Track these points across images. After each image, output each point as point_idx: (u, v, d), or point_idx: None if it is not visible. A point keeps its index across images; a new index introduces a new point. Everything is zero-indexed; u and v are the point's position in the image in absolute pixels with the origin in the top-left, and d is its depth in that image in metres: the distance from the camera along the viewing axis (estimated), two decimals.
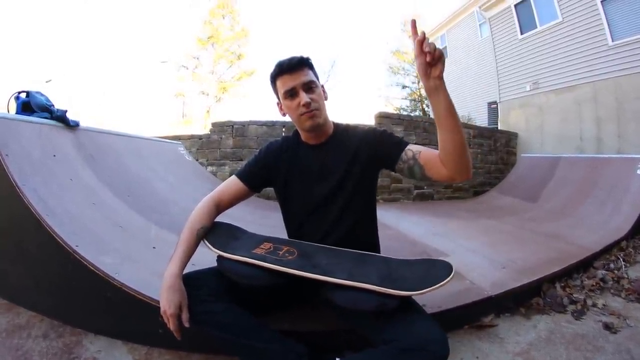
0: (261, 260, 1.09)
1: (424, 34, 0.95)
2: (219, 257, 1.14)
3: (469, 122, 9.20)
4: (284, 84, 1.21)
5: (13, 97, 2.08)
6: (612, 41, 7.01)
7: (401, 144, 1.22)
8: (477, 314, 1.59)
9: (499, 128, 9.39)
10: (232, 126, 5.47)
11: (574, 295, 1.82)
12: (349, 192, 1.27)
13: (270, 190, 1.43)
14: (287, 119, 1.30)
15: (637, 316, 1.65)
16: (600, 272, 2.13)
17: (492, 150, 6.94)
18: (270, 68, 1.25)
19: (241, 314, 1.09)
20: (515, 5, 9.35)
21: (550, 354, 1.35)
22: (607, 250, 2.52)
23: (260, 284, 1.09)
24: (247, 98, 20.40)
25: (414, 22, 0.97)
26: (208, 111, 18.87)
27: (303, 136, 1.33)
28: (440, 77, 0.98)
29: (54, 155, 1.87)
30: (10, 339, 1.37)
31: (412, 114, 19.18)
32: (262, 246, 1.20)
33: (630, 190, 3.35)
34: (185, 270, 1.13)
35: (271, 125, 5.38)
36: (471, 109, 11.40)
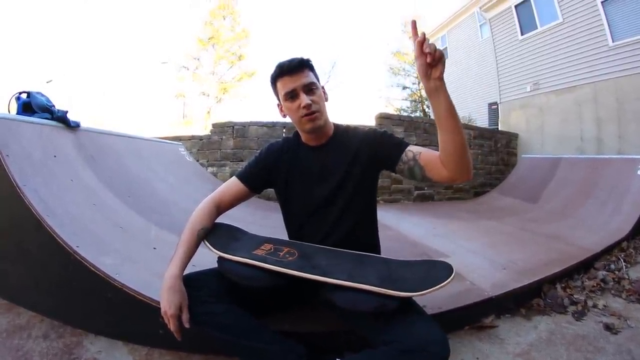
0: (262, 262, 1.10)
1: (424, 35, 0.95)
2: (220, 258, 1.14)
3: (469, 123, 9.20)
4: (284, 85, 1.21)
5: (14, 98, 2.08)
6: (613, 42, 7.01)
7: (401, 145, 1.22)
8: (477, 315, 1.58)
9: (499, 129, 9.39)
10: (233, 127, 5.47)
11: (575, 296, 1.82)
12: (349, 193, 1.27)
13: (270, 191, 1.43)
14: (288, 120, 1.30)
15: (637, 317, 1.65)
16: (601, 273, 2.13)
17: (493, 151, 6.93)
18: (271, 69, 1.24)
19: (241, 315, 1.09)
20: (516, 6, 9.35)
21: (550, 355, 1.35)
22: (607, 251, 2.51)
23: (261, 285, 1.09)
24: (247, 99, 20.46)
25: (414, 23, 0.97)
26: (208, 112, 18.89)
27: (303, 137, 1.33)
28: (440, 78, 0.98)
29: (55, 156, 1.87)
30: (11, 339, 1.37)
31: (412, 115, 19.15)
32: (262, 247, 1.20)
33: (630, 191, 3.34)
34: (186, 271, 1.13)
35: (272, 126, 5.38)
36: (472, 109, 11.40)
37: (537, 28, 8.78)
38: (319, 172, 1.30)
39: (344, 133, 1.34)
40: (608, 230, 2.93)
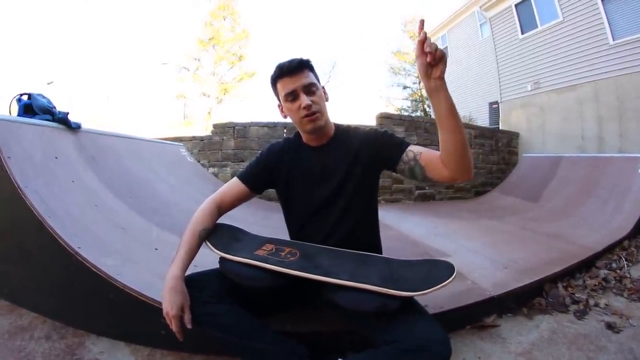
0: (263, 262, 1.10)
1: (425, 34, 0.95)
2: (221, 259, 1.14)
3: (470, 122, 9.19)
4: (284, 86, 1.21)
5: (15, 100, 2.09)
6: (613, 40, 7.00)
7: (402, 145, 1.22)
8: (479, 314, 1.58)
9: (500, 128, 9.39)
10: (234, 127, 5.48)
11: (576, 295, 1.82)
12: (350, 193, 1.27)
13: (272, 191, 1.43)
14: (289, 120, 1.30)
15: (639, 315, 1.64)
16: (603, 272, 2.13)
17: (494, 150, 6.93)
18: (271, 69, 1.25)
19: (243, 315, 1.09)
20: (516, 5, 9.35)
21: (552, 354, 1.35)
22: (609, 249, 2.51)
23: (263, 285, 1.09)
24: (248, 99, 20.53)
25: (422, 22, 0.97)
26: (209, 112, 18.92)
27: (304, 138, 1.33)
28: (441, 78, 0.98)
29: (56, 157, 1.87)
30: (13, 340, 1.37)
31: (413, 115, 19.18)
32: (264, 247, 1.20)
33: (632, 189, 3.34)
34: (188, 272, 1.13)
35: (272, 126, 5.38)
36: (472, 109, 11.39)
37: (537, 27, 8.77)
38: (319, 172, 1.30)
39: (344, 133, 1.34)
40: (609, 228, 2.93)
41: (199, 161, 5.25)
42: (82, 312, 1.47)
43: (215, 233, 1.25)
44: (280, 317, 1.28)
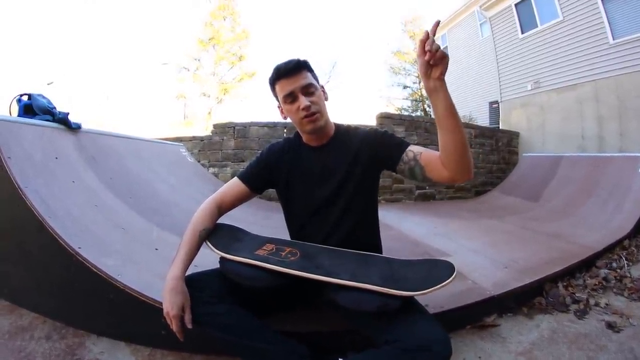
0: (264, 262, 1.10)
1: (427, 33, 0.94)
2: (222, 259, 1.14)
3: (470, 122, 9.19)
4: (282, 88, 1.21)
5: (15, 100, 2.09)
6: (613, 39, 7.00)
7: (402, 145, 1.22)
8: (479, 314, 1.58)
9: (500, 127, 9.38)
10: (234, 127, 5.48)
11: (577, 295, 1.82)
12: (350, 193, 1.27)
13: (272, 191, 1.43)
14: (289, 120, 1.30)
15: (639, 315, 1.65)
16: (603, 271, 2.13)
17: (494, 150, 6.92)
18: (271, 69, 1.24)
19: (244, 315, 1.09)
20: (516, 5, 9.34)
21: (553, 354, 1.35)
22: (609, 249, 2.51)
23: (263, 285, 1.09)
24: (248, 99, 20.54)
25: (437, 23, 0.97)
26: (209, 112, 18.92)
27: (304, 138, 1.33)
28: (440, 78, 0.98)
29: (56, 158, 1.87)
30: (13, 340, 1.37)
31: (413, 114, 19.18)
32: (264, 247, 1.20)
33: (632, 189, 3.34)
34: (188, 272, 1.13)
35: (273, 126, 5.38)
36: (472, 108, 11.39)
37: (537, 26, 8.77)
38: (320, 172, 1.30)
39: (344, 133, 1.34)
40: (610, 228, 2.93)
41: (199, 161, 5.25)
42: (83, 312, 1.47)
43: (215, 233, 1.25)
44: (281, 317, 1.28)
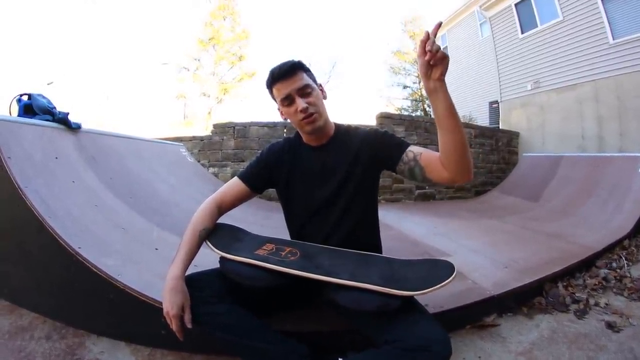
0: (263, 261, 1.10)
1: (427, 34, 0.94)
2: (222, 259, 1.14)
3: (470, 122, 9.18)
4: (279, 91, 1.21)
5: (15, 100, 2.09)
6: (613, 39, 7.00)
7: (402, 145, 1.22)
8: (479, 314, 1.58)
9: (500, 127, 9.38)
10: (234, 127, 5.48)
11: (577, 295, 1.82)
12: (350, 193, 1.27)
13: (272, 191, 1.43)
14: (289, 120, 1.30)
15: (639, 315, 1.64)
16: (603, 271, 2.13)
17: (494, 150, 6.93)
18: (267, 73, 1.25)
19: (244, 315, 1.09)
20: (516, 5, 9.34)
21: (552, 354, 1.35)
22: (609, 249, 2.51)
23: (263, 284, 1.09)
24: (248, 99, 20.55)
25: (438, 25, 0.96)
26: (209, 112, 18.93)
27: (304, 138, 1.33)
28: (440, 79, 0.98)
29: (56, 158, 1.87)
30: (13, 340, 1.37)
31: (413, 114, 19.20)
32: (264, 247, 1.20)
33: (632, 189, 3.34)
34: (188, 272, 1.13)
35: (272, 126, 5.38)
36: (472, 108, 11.38)
37: (537, 26, 8.77)
38: (320, 172, 1.30)
39: (345, 133, 1.34)
40: (609, 228, 2.93)
41: (199, 161, 5.26)
42: (83, 312, 1.47)
43: (215, 233, 1.25)
44: (281, 317, 1.28)
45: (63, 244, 1.40)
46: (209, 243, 1.19)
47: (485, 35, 11.04)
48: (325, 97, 1.30)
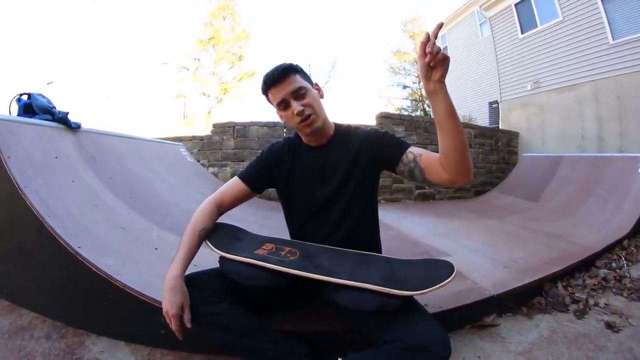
0: (263, 261, 1.10)
1: (428, 35, 0.94)
2: (221, 258, 1.14)
3: (470, 122, 9.18)
4: (274, 96, 1.22)
5: (15, 99, 2.09)
6: (613, 40, 7.00)
7: (402, 146, 1.22)
8: (478, 314, 1.58)
9: (500, 127, 9.38)
10: (234, 127, 5.48)
11: (576, 295, 1.82)
12: (350, 193, 1.27)
13: (272, 191, 1.44)
14: None
15: (639, 315, 1.64)
16: (602, 271, 2.13)
17: (494, 150, 6.93)
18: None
19: (243, 315, 1.09)
20: (516, 5, 9.35)
21: (552, 354, 1.35)
22: (609, 249, 2.51)
23: (262, 284, 1.09)
24: (248, 99, 20.50)
25: (439, 26, 0.96)
26: (209, 112, 18.93)
27: (304, 138, 1.33)
28: (440, 81, 0.98)
29: (56, 157, 1.87)
30: (13, 340, 1.37)
31: (413, 114, 19.20)
32: (264, 247, 1.20)
33: (632, 189, 3.34)
34: (188, 271, 1.13)
35: (272, 125, 5.38)
36: (472, 108, 11.39)
37: (537, 26, 8.78)
38: (320, 172, 1.30)
39: (344, 133, 1.33)
40: (609, 228, 2.93)
41: (198, 161, 5.25)
42: (82, 312, 1.47)
43: (215, 232, 1.25)
44: (281, 317, 1.28)
45: (63, 243, 1.40)
46: (208, 243, 1.19)
47: (485, 35, 11.04)
48: (322, 96, 1.29)
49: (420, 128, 5.96)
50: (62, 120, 2.10)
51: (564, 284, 1.92)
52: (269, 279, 1.08)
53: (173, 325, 1.02)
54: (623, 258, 2.38)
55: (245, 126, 5.44)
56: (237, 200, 1.35)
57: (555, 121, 8.21)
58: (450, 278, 1.01)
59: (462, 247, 2.60)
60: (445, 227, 3.43)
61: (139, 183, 2.58)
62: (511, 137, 7.67)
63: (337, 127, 1.35)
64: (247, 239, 1.27)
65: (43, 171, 1.71)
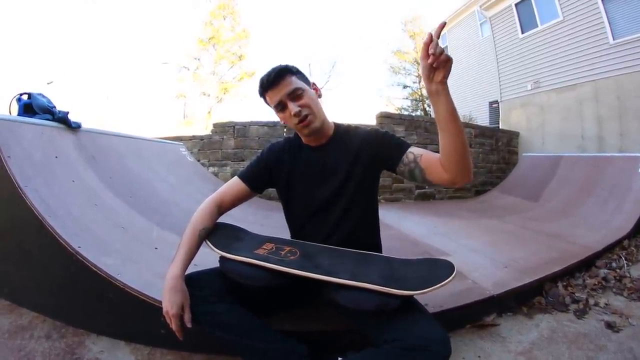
0: (263, 261, 1.10)
1: (431, 36, 0.93)
2: (222, 258, 1.14)
3: (470, 122, 9.17)
4: (271, 99, 1.22)
5: (15, 99, 2.09)
6: (613, 40, 7.00)
7: (403, 146, 1.22)
8: (479, 314, 1.58)
9: (500, 127, 9.38)
10: (234, 127, 5.48)
11: (576, 295, 1.82)
12: (351, 193, 1.27)
13: (272, 190, 1.43)
14: None
15: (639, 315, 1.64)
16: (602, 271, 2.13)
17: (494, 150, 6.92)
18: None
19: (243, 315, 1.09)
20: (516, 5, 9.34)
21: (552, 353, 1.35)
22: (609, 249, 2.51)
23: (263, 284, 1.09)
24: (248, 99, 20.49)
25: (441, 25, 0.96)
26: (209, 112, 18.93)
27: (304, 139, 1.33)
28: (442, 82, 0.97)
29: (56, 157, 1.87)
30: (13, 339, 1.37)
31: (413, 114, 19.19)
32: (264, 247, 1.20)
33: (632, 189, 3.34)
34: (188, 271, 1.13)
35: (272, 125, 5.38)
36: (472, 108, 11.38)
37: (537, 26, 8.77)
38: (320, 172, 1.30)
39: (344, 133, 1.33)
40: (609, 228, 2.93)
41: (199, 160, 5.25)
42: (82, 312, 1.47)
43: (215, 232, 1.25)
44: (281, 317, 1.28)
45: (63, 243, 1.40)
46: (208, 242, 1.19)
47: (486, 35, 11.04)
48: (320, 96, 1.29)
49: (421, 128, 5.95)
50: (62, 120, 2.10)
51: (564, 283, 1.92)
52: (269, 278, 1.08)
53: (173, 325, 1.02)
54: (623, 258, 2.38)
55: (246, 126, 5.44)
56: (237, 200, 1.35)
57: (555, 121, 8.21)
58: (451, 278, 1.01)
59: (462, 246, 2.60)
60: (446, 227, 3.43)
61: (139, 182, 2.58)
62: (511, 137, 7.67)
63: (337, 127, 1.35)
64: (247, 239, 1.27)
65: (43, 171, 1.70)
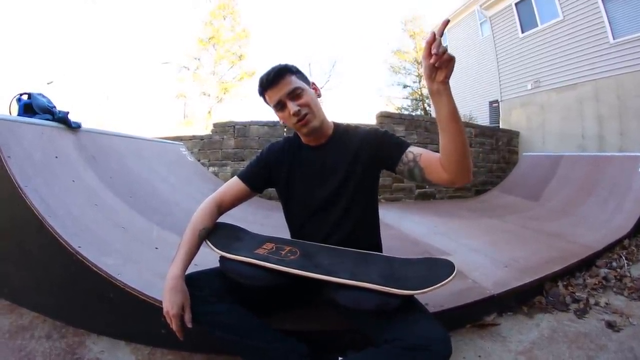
0: (263, 261, 1.10)
1: (434, 35, 0.91)
2: (222, 258, 1.14)
3: (470, 121, 9.18)
4: (270, 98, 1.22)
5: (15, 99, 2.09)
6: (614, 39, 7.00)
7: (402, 146, 1.21)
8: (479, 313, 1.58)
9: (500, 127, 9.38)
10: (234, 126, 5.48)
11: (577, 294, 1.82)
12: (351, 192, 1.27)
13: (272, 190, 1.43)
14: None
15: (639, 314, 1.64)
16: (603, 271, 2.13)
17: (494, 149, 6.92)
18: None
19: (244, 315, 1.09)
20: (516, 4, 9.34)
21: (553, 353, 1.35)
22: (609, 248, 2.51)
23: (263, 284, 1.09)
24: (248, 98, 20.49)
25: (445, 23, 0.94)
26: (209, 112, 18.93)
27: (303, 138, 1.33)
28: (444, 82, 0.96)
29: (56, 157, 1.87)
30: (14, 339, 1.37)
31: (413, 114, 19.20)
32: (264, 246, 1.20)
33: (632, 188, 3.33)
34: (188, 271, 1.13)
35: (272, 125, 5.38)
36: (472, 107, 11.39)
37: (537, 26, 8.78)
38: (320, 171, 1.29)
39: (344, 132, 1.33)
40: (610, 227, 2.92)
41: (199, 160, 5.25)
42: (83, 312, 1.47)
43: (215, 232, 1.25)
44: (281, 316, 1.28)
45: (63, 243, 1.40)
46: (208, 242, 1.19)
47: (486, 35, 11.04)
48: (319, 96, 1.29)
49: (421, 127, 5.95)
50: (62, 120, 2.10)
51: (565, 283, 1.92)
52: (269, 278, 1.08)
53: (174, 325, 1.02)
54: (623, 257, 2.37)
55: (246, 125, 5.44)
56: (237, 200, 1.34)
57: (555, 120, 8.21)
58: (451, 277, 1.01)
59: (462, 246, 2.60)
60: (446, 227, 3.42)
61: (139, 182, 2.58)
62: (511, 137, 7.66)
63: (337, 126, 1.35)
64: (247, 239, 1.27)
65: (43, 171, 1.71)
